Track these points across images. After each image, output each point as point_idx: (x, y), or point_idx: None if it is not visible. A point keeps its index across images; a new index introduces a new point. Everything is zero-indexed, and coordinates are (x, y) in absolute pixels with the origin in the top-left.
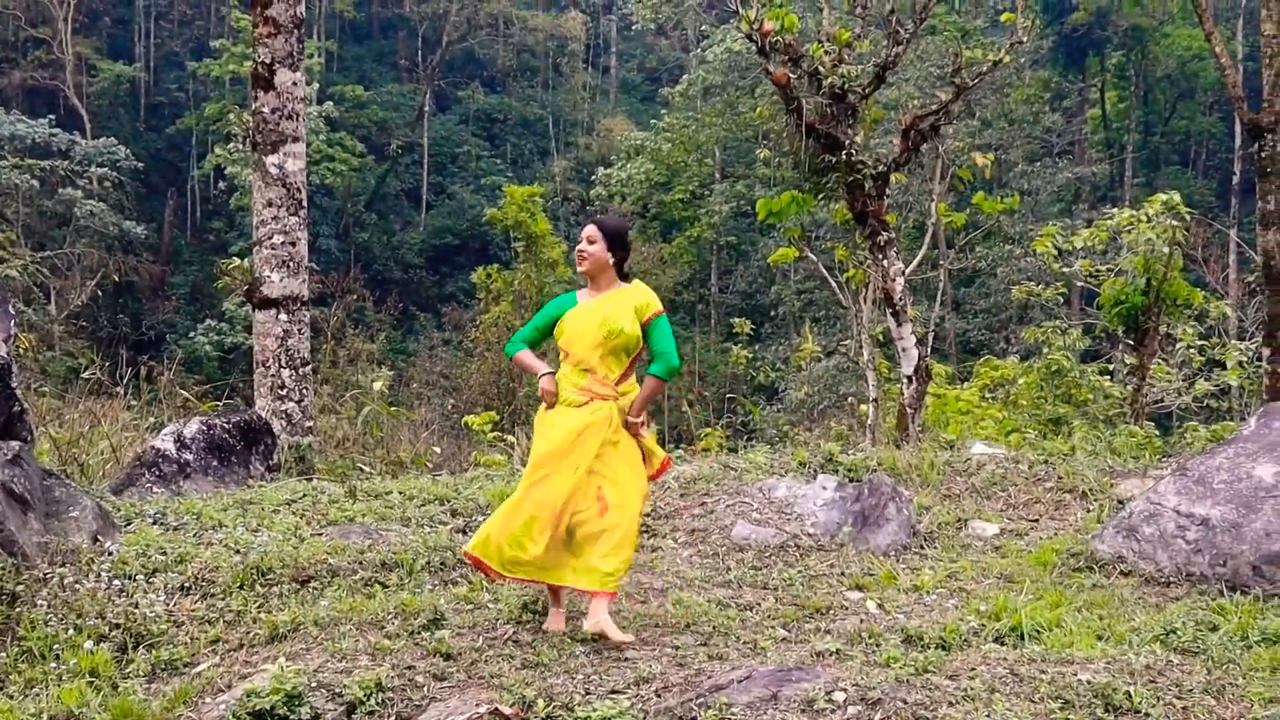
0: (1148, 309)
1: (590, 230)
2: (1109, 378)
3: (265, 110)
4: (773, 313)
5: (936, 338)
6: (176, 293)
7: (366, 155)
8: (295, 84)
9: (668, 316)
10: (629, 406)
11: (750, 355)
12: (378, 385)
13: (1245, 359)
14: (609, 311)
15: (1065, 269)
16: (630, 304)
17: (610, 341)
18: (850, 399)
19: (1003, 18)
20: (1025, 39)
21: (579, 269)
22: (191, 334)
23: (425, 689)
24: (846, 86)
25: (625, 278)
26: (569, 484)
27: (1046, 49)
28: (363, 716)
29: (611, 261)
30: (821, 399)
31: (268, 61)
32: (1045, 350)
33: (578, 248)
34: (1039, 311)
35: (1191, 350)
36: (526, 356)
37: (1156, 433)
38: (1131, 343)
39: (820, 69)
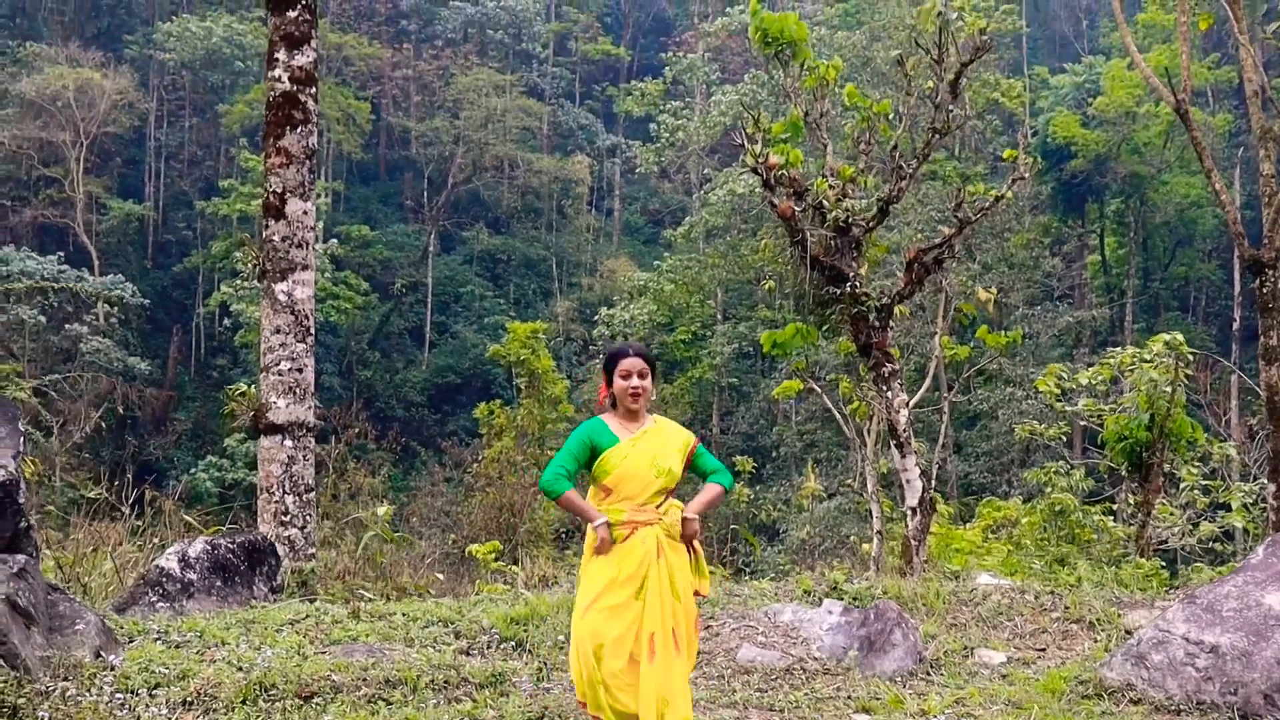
0: (1151, 445)
1: (640, 364)
2: (1112, 518)
3: (276, 238)
4: (774, 454)
5: (939, 480)
6: (179, 428)
7: (371, 294)
8: (306, 213)
9: None
10: (685, 508)
11: (751, 495)
12: (382, 510)
13: (1249, 501)
14: (657, 451)
15: (1068, 408)
16: (673, 445)
17: (662, 482)
18: (852, 538)
19: (1005, 155)
20: (1027, 174)
21: (633, 405)
22: (193, 469)
23: None
24: (850, 220)
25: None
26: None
27: (1046, 195)
28: None
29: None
30: (823, 540)
31: (279, 191)
32: (1048, 491)
33: (630, 384)
34: (1041, 454)
35: (1195, 491)
36: (576, 499)
37: (1163, 563)
38: (1135, 479)
39: (825, 202)
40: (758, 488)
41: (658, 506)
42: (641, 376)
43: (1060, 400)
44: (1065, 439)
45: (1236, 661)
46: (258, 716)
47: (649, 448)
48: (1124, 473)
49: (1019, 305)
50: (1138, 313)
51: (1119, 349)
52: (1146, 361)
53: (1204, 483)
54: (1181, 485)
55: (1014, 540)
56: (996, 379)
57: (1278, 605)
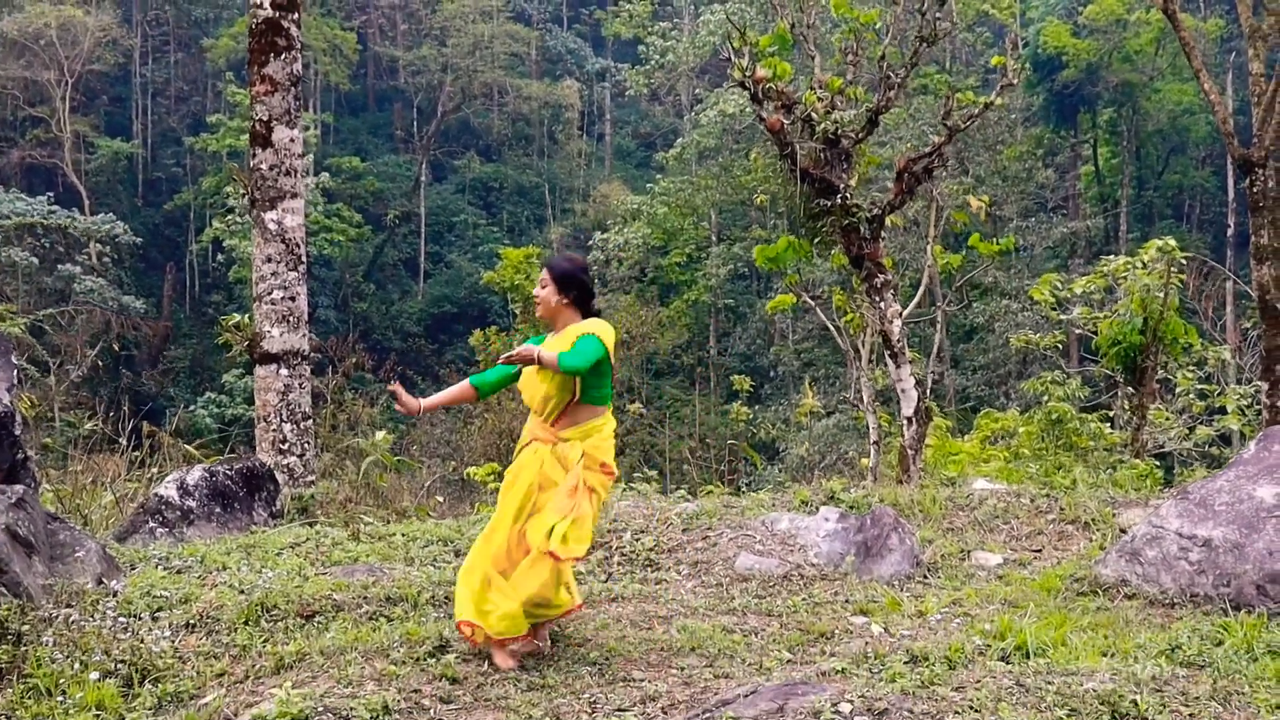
0: (1145, 348)
1: (541, 274)
2: (1109, 425)
3: (264, 167)
4: (772, 373)
5: (937, 395)
6: (176, 365)
7: (364, 226)
8: (293, 141)
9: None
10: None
11: (750, 415)
12: (380, 436)
13: (1245, 404)
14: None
15: (1063, 317)
16: (571, 338)
17: (545, 388)
18: (852, 454)
19: (993, 61)
20: (1015, 81)
21: (537, 314)
22: (192, 406)
23: (432, 711)
24: (840, 132)
25: (589, 316)
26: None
27: (1038, 106)
28: None
29: (565, 303)
30: (823, 456)
31: (265, 119)
32: (1045, 401)
33: (542, 295)
34: (1038, 365)
35: (1191, 396)
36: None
37: (1158, 464)
38: (1130, 384)
39: (814, 115)
40: (756, 407)
41: (553, 423)
42: (542, 286)
43: (1055, 310)
44: (1061, 349)
45: (1229, 554)
46: (260, 636)
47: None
48: (1119, 378)
49: (1013, 218)
50: (1132, 222)
51: (1113, 257)
52: (1140, 268)
53: (1199, 387)
54: (1177, 390)
55: (1012, 450)
56: (992, 292)
57: (1269, 498)
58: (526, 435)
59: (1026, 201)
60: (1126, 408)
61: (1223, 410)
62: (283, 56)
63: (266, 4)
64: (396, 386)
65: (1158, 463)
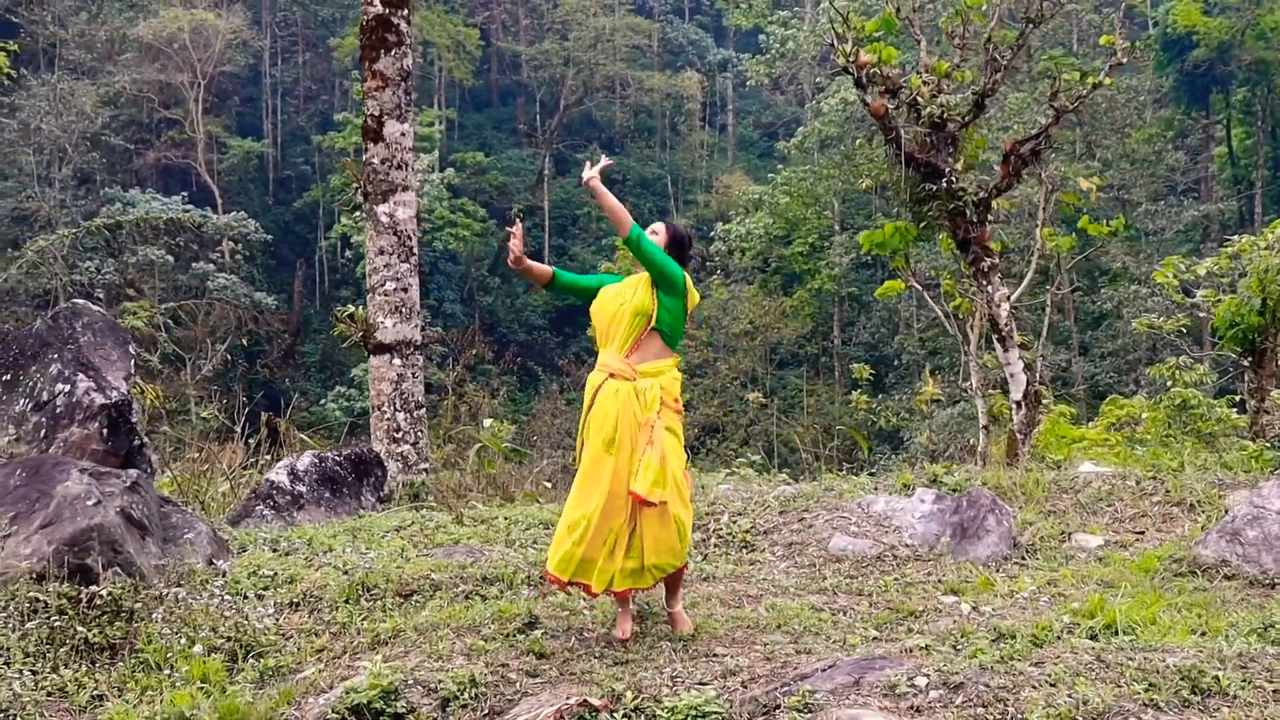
0: (1264, 329)
1: (657, 225)
2: (1236, 410)
3: (375, 161)
4: (895, 362)
5: (1064, 382)
6: (307, 360)
7: (488, 220)
8: (404, 135)
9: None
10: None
11: (872, 403)
12: (488, 422)
13: None
14: (620, 289)
15: (1188, 300)
16: (641, 280)
17: (625, 313)
18: (974, 443)
19: (1102, 40)
20: (1124, 59)
21: None
22: (322, 400)
23: (518, 684)
24: (945, 115)
25: None
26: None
27: (1168, 87)
28: (456, 710)
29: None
30: (947, 445)
31: (376, 114)
32: (1170, 386)
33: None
34: (1168, 351)
35: None
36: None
37: (1269, 445)
38: (1251, 366)
39: (919, 99)
40: (880, 396)
41: (627, 354)
42: (654, 234)
43: (1180, 293)
44: (1188, 332)
45: None
46: (359, 614)
47: (618, 286)
48: (1242, 360)
49: (1141, 201)
50: (1268, 204)
51: (1238, 238)
52: (1265, 248)
53: None
54: None
55: (1137, 437)
56: (1121, 277)
57: None
58: (600, 371)
59: (1156, 184)
60: (1246, 391)
61: None
62: (393, 52)
63: (377, 1)
64: (517, 227)
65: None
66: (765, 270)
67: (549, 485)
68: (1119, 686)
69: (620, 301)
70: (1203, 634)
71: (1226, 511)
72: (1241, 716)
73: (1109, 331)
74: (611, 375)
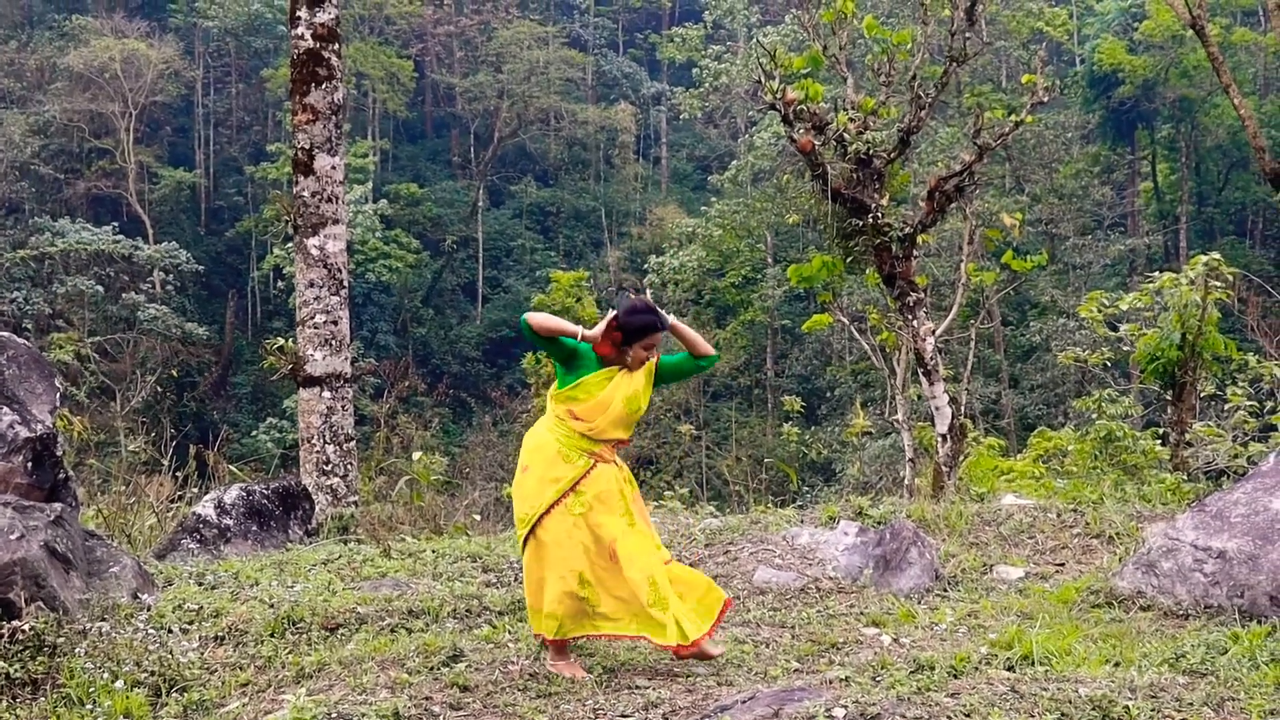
0: (1183, 364)
1: (612, 318)
2: (1160, 443)
3: (306, 194)
4: (828, 394)
5: (994, 414)
6: (239, 391)
7: (422, 252)
8: (335, 168)
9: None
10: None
11: (804, 435)
12: (417, 455)
13: None
14: (630, 390)
15: (1112, 334)
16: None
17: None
18: (905, 475)
19: (1024, 79)
20: (1046, 99)
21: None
22: (254, 432)
23: (441, 718)
24: (871, 151)
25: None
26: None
27: (1095, 123)
28: None
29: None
30: (879, 477)
31: (307, 147)
32: (1096, 419)
33: (649, 356)
34: (1096, 384)
35: (1242, 413)
36: (549, 317)
37: (1185, 478)
38: (1170, 400)
39: (845, 135)
40: (813, 428)
41: (613, 444)
42: (611, 333)
43: (1105, 326)
44: (1115, 365)
45: (1243, 565)
46: (284, 648)
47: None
48: (1163, 394)
49: (1069, 235)
50: (1193, 238)
51: (1160, 274)
52: (1186, 283)
53: (1250, 403)
54: (1227, 405)
55: (1064, 469)
56: (1050, 310)
57: None
58: (580, 455)
59: (1084, 219)
60: (1166, 424)
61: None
62: (324, 86)
63: (308, 35)
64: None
65: (1202, 481)
66: (699, 303)
67: (478, 517)
68: (1032, 717)
69: (636, 406)
70: (1116, 664)
71: (1143, 543)
72: None
73: (1038, 364)
74: (600, 460)
